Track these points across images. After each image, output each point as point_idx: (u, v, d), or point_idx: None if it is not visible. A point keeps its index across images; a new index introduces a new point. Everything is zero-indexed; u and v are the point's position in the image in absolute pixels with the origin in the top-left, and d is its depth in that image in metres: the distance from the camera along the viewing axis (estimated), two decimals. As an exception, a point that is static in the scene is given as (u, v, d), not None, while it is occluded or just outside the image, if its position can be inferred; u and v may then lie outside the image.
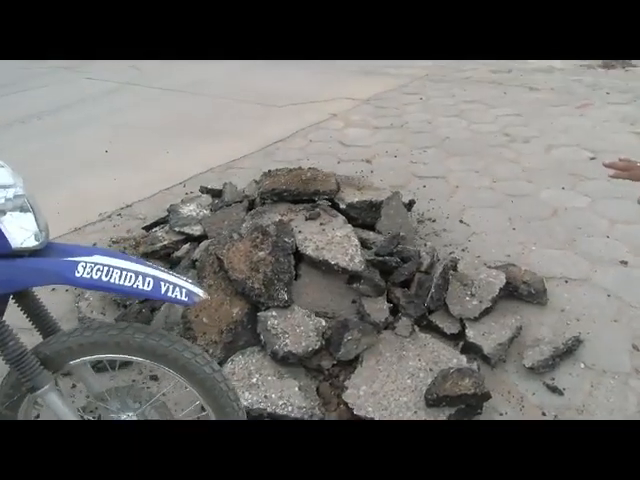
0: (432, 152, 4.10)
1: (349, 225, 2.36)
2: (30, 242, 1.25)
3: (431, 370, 1.95)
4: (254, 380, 1.88)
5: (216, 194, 2.83)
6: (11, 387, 1.33)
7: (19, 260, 1.23)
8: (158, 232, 2.60)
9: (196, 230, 2.53)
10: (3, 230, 1.20)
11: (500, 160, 3.89)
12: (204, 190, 2.89)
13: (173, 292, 1.28)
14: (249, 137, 4.56)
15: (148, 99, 5.83)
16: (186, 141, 4.54)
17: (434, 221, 3.13)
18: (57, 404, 1.30)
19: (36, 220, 1.31)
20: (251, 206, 2.62)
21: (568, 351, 2.07)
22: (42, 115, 5.38)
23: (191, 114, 5.25)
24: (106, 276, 1.25)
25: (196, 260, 2.31)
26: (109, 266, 1.27)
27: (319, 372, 2.03)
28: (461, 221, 3.12)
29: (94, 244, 2.96)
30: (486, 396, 1.80)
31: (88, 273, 1.24)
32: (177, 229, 2.55)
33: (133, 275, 1.27)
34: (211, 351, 2.05)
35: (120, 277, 1.26)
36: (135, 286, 1.26)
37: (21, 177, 1.33)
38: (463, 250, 2.82)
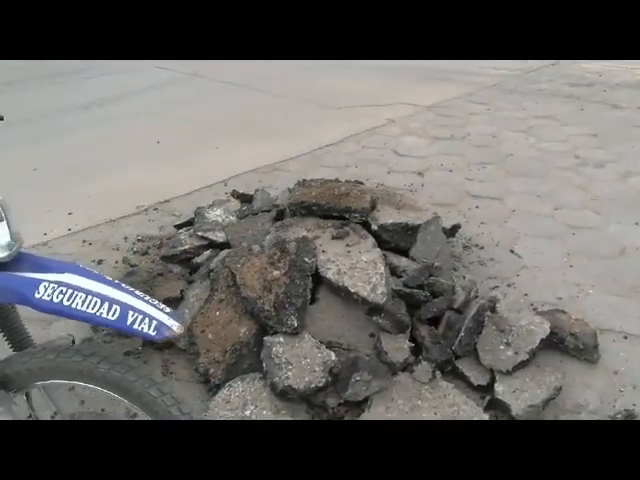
0: (491, 169, 3.78)
1: (378, 249, 2.16)
2: (-5, 254, 1.15)
3: (446, 427, 1.71)
4: (247, 412, 1.72)
5: (246, 200, 2.70)
6: None
7: (-23, 275, 1.13)
8: (182, 235, 2.50)
9: (219, 237, 2.41)
10: (-37, 239, 1.10)
11: (567, 185, 3.52)
12: (235, 194, 2.77)
13: (140, 324, 1.14)
14: (301, 138, 4.42)
15: (208, 92, 5.83)
16: (237, 138, 4.46)
17: (482, 248, 2.85)
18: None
19: (8, 228, 1.21)
20: (280, 217, 2.47)
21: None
22: (105, 102, 5.50)
23: (247, 110, 5.18)
24: (68, 300, 1.13)
25: (212, 270, 2.19)
26: (75, 288, 1.15)
27: (323, 410, 1.84)
28: (512, 251, 2.82)
29: (125, 238, 2.93)
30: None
31: (49, 295, 1.13)
32: (200, 234, 2.44)
33: (99, 301, 1.14)
34: (212, 371, 1.91)
35: (84, 302, 1.13)
36: (98, 314, 1.13)
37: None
38: (509, 286, 2.54)
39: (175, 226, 2.86)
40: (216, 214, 2.57)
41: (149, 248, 2.54)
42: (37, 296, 1.12)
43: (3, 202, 1.22)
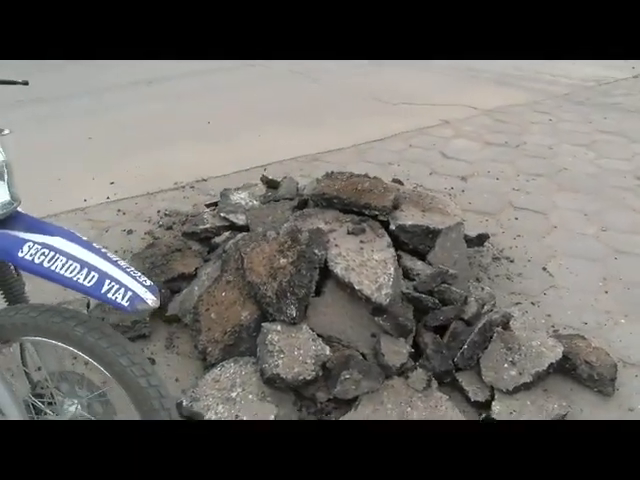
0: (541, 182, 3.60)
1: (391, 250, 2.10)
2: (-11, 210, 1.21)
3: (431, 439, 1.65)
4: (234, 394, 1.73)
5: (273, 186, 2.71)
6: None
7: (-28, 226, 1.19)
8: (205, 214, 2.54)
9: (240, 219, 2.44)
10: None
11: (620, 206, 3.30)
12: (264, 179, 2.78)
13: (115, 293, 1.17)
14: (349, 131, 4.39)
15: (266, 77, 5.89)
16: (286, 125, 4.48)
17: (512, 261, 2.72)
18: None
19: (8, 189, 1.27)
20: (302, 206, 2.46)
21: (615, 465, 1.64)
22: (167, 80, 5.67)
23: (301, 99, 5.20)
24: (49, 262, 1.17)
25: (225, 251, 2.22)
26: (58, 251, 1.19)
27: (312, 403, 1.83)
28: (544, 269, 2.68)
29: (158, 211, 3.01)
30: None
31: (31, 255, 1.17)
32: (223, 214, 2.48)
33: (78, 267, 1.18)
34: (210, 349, 1.94)
35: (63, 266, 1.17)
36: (75, 279, 1.17)
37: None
38: (532, 304, 2.41)
39: (206, 205, 2.92)
40: (240, 197, 2.59)
41: (174, 223, 2.60)
42: (20, 255, 1.17)
43: (6, 163, 1.28)
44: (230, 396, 1.73)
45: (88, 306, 2.20)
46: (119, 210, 3.04)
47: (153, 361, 2.01)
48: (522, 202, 3.33)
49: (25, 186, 3.24)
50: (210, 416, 1.65)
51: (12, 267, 1.42)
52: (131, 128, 4.30)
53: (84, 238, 1.29)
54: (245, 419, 1.65)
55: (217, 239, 2.41)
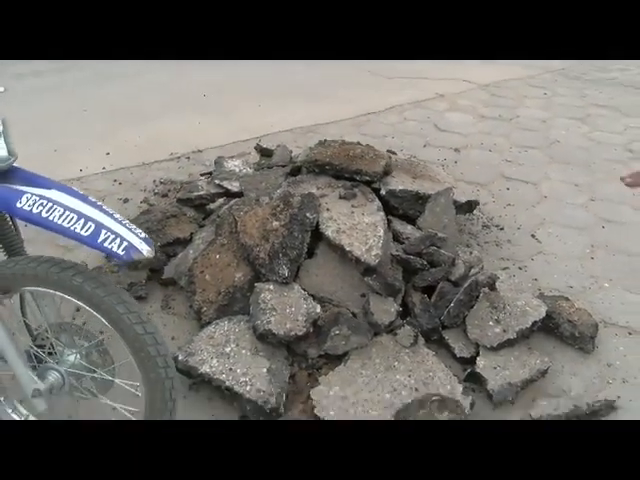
0: (533, 154, 3.64)
1: (381, 213, 2.15)
2: (-14, 164, 1.25)
3: (417, 390, 1.73)
4: (228, 349, 1.80)
5: (267, 154, 2.74)
6: None
7: (-30, 179, 1.23)
8: (200, 181, 2.59)
9: (234, 186, 2.48)
10: (-43, 147, 1.20)
11: (610, 178, 3.34)
12: (258, 148, 2.81)
13: (111, 243, 1.22)
14: (345, 104, 4.40)
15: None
16: (283, 98, 4.49)
17: (502, 229, 2.78)
18: (-10, 323, 1.32)
19: (6, 144, 1.31)
20: (295, 173, 2.50)
21: (592, 414, 1.73)
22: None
23: (300, 73, 5.18)
24: (47, 212, 1.22)
25: (219, 215, 2.26)
26: (55, 203, 1.24)
27: (303, 359, 1.90)
28: (533, 236, 2.74)
29: (153, 181, 3.05)
30: (462, 438, 1.55)
31: (29, 206, 1.22)
32: (217, 182, 2.52)
33: (75, 217, 1.23)
34: (204, 309, 2.00)
35: (61, 216, 1.22)
36: (73, 228, 1.21)
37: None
38: (520, 269, 2.47)
39: (201, 174, 2.96)
40: (234, 164, 2.63)
41: (169, 191, 2.65)
42: (19, 205, 1.21)
43: (3, 120, 1.31)
44: (224, 351, 1.79)
45: (86, 269, 2.24)
46: (115, 180, 3.07)
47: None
48: (514, 173, 3.37)
49: (21, 156, 3.26)
50: (205, 369, 1.71)
51: (10, 222, 1.46)
52: (127, 100, 4.30)
53: (80, 192, 1.34)
54: (239, 372, 1.72)
55: (212, 205, 2.46)
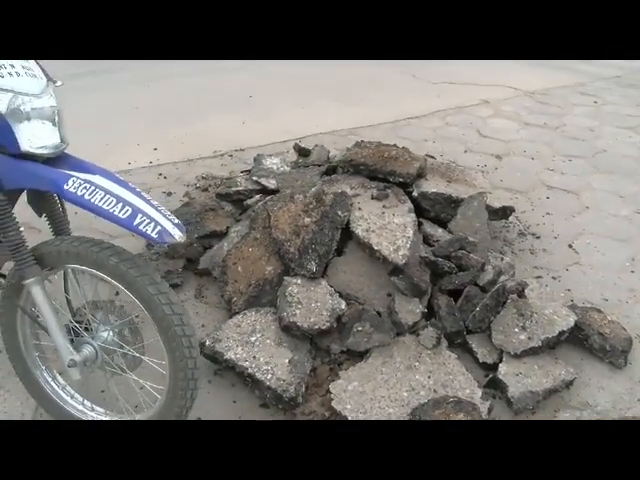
0: (577, 163, 3.56)
1: (412, 215, 2.17)
2: (41, 149, 1.35)
3: (435, 392, 1.74)
4: (253, 339, 1.86)
5: (305, 154, 2.80)
6: (12, 275, 1.49)
7: (26, 163, 1.34)
8: (239, 177, 2.67)
9: (271, 183, 2.55)
10: (16, 133, 1.31)
11: (659, 190, 3.23)
12: (296, 147, 2.88)
13: (146, 226, 1.30)
14: (387, 107, 4.42)
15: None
16: (327, 100, 4.55)
17: (538, 237, 2.74)
18: (39, 297, 1.42)
19: (59, 132, 1.42)
20: (330, 172, 2.55)
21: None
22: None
23: (346, 75, 5.24)
24: (89, 195, 1.31)
25: (254, 210, 2.34)
26: (98, 187, 1.33)
27: (326, 353, 1.94)
28: (570, 246, 2.69)
29: (196, 176, 3.16)
30: (476, 440, 1.55)
31: (75, 188, 1.31)
32: (255, 178, 2.59)
33: (114, 200, 1.31)
34: (235, 299, 2.08)
35: (102, 199, 1.31)
36: (112, 210, 1.30)
37: (52, 89, 1.42)
38: (554, 278, 2.43)
39: (242, 172, 3.05)
40: (273, 162, 2.70)
41: (210, 186, 2.74)
42: (66, 187, 1.31)
43: (57, 110, 1.42)
44: (249, 340, 1.86)
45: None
46: (160, 174, 3.21)
47: (183, 308, 2.16)
48: (555, 182, 3.31)
49: (76, 148, 3.44)
50: (229, 356, 1.78)
51: (59, 203, 1.57)
52: (175, 100, 4.47)
53: (121, 178, 1.43)
54: (262, 360, 1.78)
55: (249, 201, 2.54)
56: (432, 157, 3.04)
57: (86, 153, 3.47)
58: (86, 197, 1.31)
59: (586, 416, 1.72)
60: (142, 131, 3.82)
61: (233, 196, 2.57)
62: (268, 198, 2.37)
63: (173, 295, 1.40)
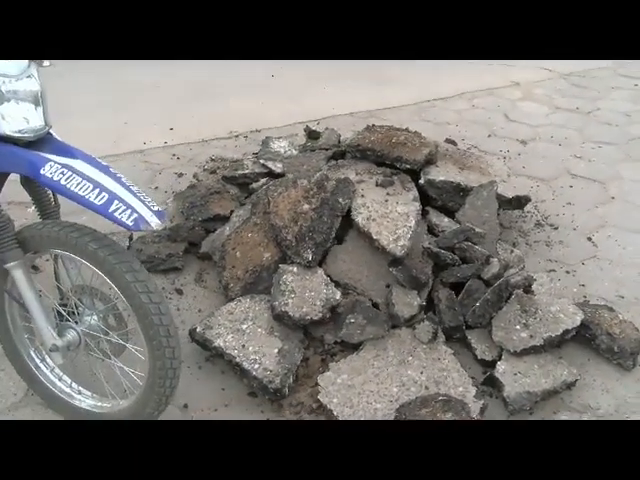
0: (608, 150, 3.37)
1: (416, 204, 2.09)
2: (20, 133, 1.34)
3: (426, 388, 1.69)
4: (244, 326, 1.84)
5: (315, 137, 2.74)
6: None
7: (4, 146, 1.33)
8: (246, 160, 2.63)
9: (278, 167, 2.50)
10: (-3, 114, 1.30)
11: (694, 181, 3.03)
12: (307, 130, 2.81)
13: (122, 213, 1.28)
14: (412, 88, 4.28)
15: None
16: (349, 80, 4.43)
17: (556, 229, 2.61)
18: (21, 280, 1.43)
19: (43, 114, 1.40)
20: (339, 157, 2.48)
21: (616, 436, 1.60)
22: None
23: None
24: (65, 180, 1.30)
25: (257, 195, 2.30)
26: (76, 172, 1.31)
27: (320, 343, 1.91)
28: (589, 239, 2.55)
29: (210, 158, 3.14)
30: (462, 442, 1.50)
31: (51, 173, 1.30)
32: (262, 162, 2.55)
33: (91, 186, 1.30)
34: (231, 285, 2.06)
35: (78, 185, 1.29)
36: (87, 197, 1.28)
37: (35, 70, 1.40)
38: (568, 272, 2.32)
39: (254, 154, 3.01)
40: (280, 145, 2.65)
41: (218, 168, 2.72)
42: (42, 172, 1.30)
43: (42, 91, 1.41)
44: (240, 327, 1.84)
45: (131, 239, 2.37)
46: (174, 154, 3.20)
47: (181, 292, 2.16)
48: (581, 170, 3.14)
49: (94, 128, 3.46)
50: (218, 343, 1.77)
51: (48, 191, 1.57)
52: (197, 79, 4.44)
53: (103, 163, 1.41)
54: (250, 349, 1.76)
55: (254, 185, 2.50)
56: (452, 142, 2.92)
57: (105, 132, 3.48)
58: (62, 182, 1.29)
59: (585, 419, 1.64)
60: (161, 110, 3.81)
61: (239, 179, 2.54)
62: (271, 182, 2.32)
63: (152, 283, 1.39)
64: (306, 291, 1.89)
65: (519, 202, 2.42)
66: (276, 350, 1.76)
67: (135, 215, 1.29)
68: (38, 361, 1.64)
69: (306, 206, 2.06)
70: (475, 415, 1.58)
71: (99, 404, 1.60)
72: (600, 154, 3.32)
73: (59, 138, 1.47)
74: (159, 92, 4.16)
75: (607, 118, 3.80)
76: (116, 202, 1.29)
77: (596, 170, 3.14)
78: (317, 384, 1.73)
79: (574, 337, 1.89)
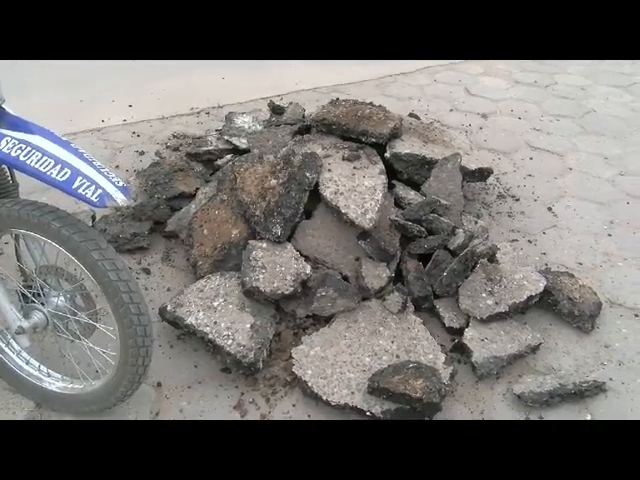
0: (565, 123, 3.46)
1: (383, 177, 2.11)
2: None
3: (397, 357, 1.72)
4: (215, 303, 1.83)
5: (279, 112, 2.71)
6: None
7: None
8: (209, 137, 2.59)
9: (243, 143, 2.47)
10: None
11: (645, 151, 3.16)
12: (270, 105, 2.78)
13: (85, 189, 1.24)
14: (375, 64, 4.24)
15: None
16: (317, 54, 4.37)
17: (517, 200, 2.68)
18: (-19, 263, 1.39)
19: None
20: (304, 132, 2.47)
21: (577, 394, 1.68)
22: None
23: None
24: (25, 156, 1.25)
25: (223, 172, 2.27)
26: (35, 148, 1.26)
27: (292, 318, 1.92)
28: (549, 209, 2.63)
29: (172, 135, 3.07)
30: (433, 406, 1.55)
31: (9, 149, 1.25)
32: (226, 138, 2.51)
33: (53, 162, 1.25)
34: (200, 263, 2.04)
35: (38, 161, 1.25)
36: (49, 173, 1.24)
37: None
38: (530, 242, 2.39)
39: (216, 130, 2.95)
40: (244, 120, 2.61)
41: (181, 145, 2.66)
42: (-2, 148, 1.25)
43: None
44: (212, 305, 1.82)
45: (94, 219, 2.30)
46: (134, 132, 3.11)
47: (148, 271, 2.13)
48: (540, 142, 3.22)
49: (49, 105, 3.32)
50: (190, 321, 1.75)
51: (6, 169, 1.51)
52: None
53: (63, 138, 1.36)
54: (223, 325, 1.75)
55: (219, 161, 2.46)
56: (415, 116, 2.94)
57: (59, 110, 3.35)
58: (21, 158, 1.25)
59: (548, 380, 1.71)
60: (119, 87, 3.68)
61: (203, 156, 2.49)
62: (236, 159, 2.29)
63: (120, 261, 1.35)
64: (276, 266, 1.88)
65: (482, 174, 2.47)
66: (248, 325, 1.76)
67: (100, 191, 1.25)
68: (3, 345, 1.59)
69: (273, 181, 2.04)
70: (445, 380, 1.63)
71: (70, 385, 1.57)
72: (558, 127, 3.41)
73: (14, 113, 1.41)
74: (116, 68, 4.01)
75: (564, 92, 3.89)
76: (80, 178, 1.25)
77: (554, 142, 3.22)
78: (291, 357, 1.74)
79: (537, 303, 1.97)
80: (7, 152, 1.24)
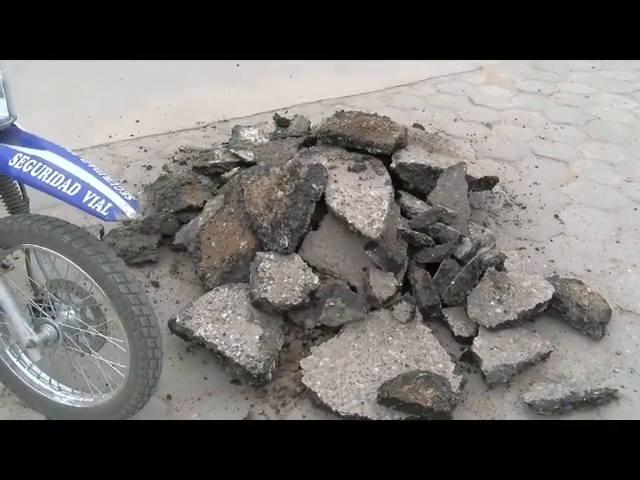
0: (570, 131, 3.46)
1: (389, 187, 2.12)
2: (-15, 124, 1.30)
3: (407, 366, 1.72)
4: (224, 315, 1.84)
5: (284, 124, 2.73)
6: None
7: (-31, 138, 1.29)
8: (216, 150, 2.61)
9: (249, 156, 2.49)
10: (-43, 106, 1.26)
11: (651, 158, 3.15)
12: (276, 118, 2.80)
13: (95, 203, 1.26)
14: (379, 75, 4.28)
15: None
16: (315, 68, 4.42)
17: (524, 208, 2.68)
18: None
19: (7, 105, 1.36)
20: (310, 144, 2.49)
21: (589, 402, 1.67)
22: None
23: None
24: (36, 172, 1.27)
25: (229, 184, 2.29)
26: (46, 163, 1.28)
27: (300, 328, 1.92)
28: (556, 216, 2.63)
29: (179, 149, 3.10)
30: (444, 416, 1.54)
31: (20, 165, 1.27)
32: (232, 151, 2.53)
33: (63, 177, 1.27)
34: (208, 275, 2.05)
35: (49, 176, 1.27)
36: (59, 188, 1.26)
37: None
38: (537, 249, 2.39)
39: (223, 144, 2.98)
40: (251, 133, 2.64)
41: (188, 159, 2.68)
42: (10, 164, 1.27)
43: (5, 82, 1.36)
44: (220, 316, 1.83)
45: (102, 233, 2.33)
46: (141, 147, 3.14)
47: (157, 284, 2.14)
48: (545, 150, 3.22)
49: (57, 122, 3.37)
50: (199, 333, 1.76)
51: (14, 182, 1.53)
52: (162, 69, 4.35)
53: (73, 153, 1.38)
54: (232, 337, 1.75)
55: (226, 174, 2.48)
56: (420, 126, 2.96)
57: (67, 126, 3.39)
58: (32, 174, 1.26)
59: (559, 388, 1.70)
60: (125, 102, 3.73)
61: (210, 169, 2.51)
62: (243, 171, 2.31)
63: (129, 274, 1.37)
64: (284, 277, 1.89)
65: (488, 183, 2.48)
66: (257, 337, 1.77)
67: (109, 205, 1.27)
68: (14, 359, 1.60)
69: (280, 193, 2.06)
70: (455, 390, 1.62)
71: (80, 399, 1.57)
72: (562, 135, 3.41)
73: (25, 129, 1.44)
74: (122, 84, 4.07)
75: (567, 100, 3.90)
76: (89, 192, 1.27)
77: (559, 150, 3.23)
78: (300, 368, 1.74)
79: (546, 310, 1.96)
80: (19, 168, 1.26)
